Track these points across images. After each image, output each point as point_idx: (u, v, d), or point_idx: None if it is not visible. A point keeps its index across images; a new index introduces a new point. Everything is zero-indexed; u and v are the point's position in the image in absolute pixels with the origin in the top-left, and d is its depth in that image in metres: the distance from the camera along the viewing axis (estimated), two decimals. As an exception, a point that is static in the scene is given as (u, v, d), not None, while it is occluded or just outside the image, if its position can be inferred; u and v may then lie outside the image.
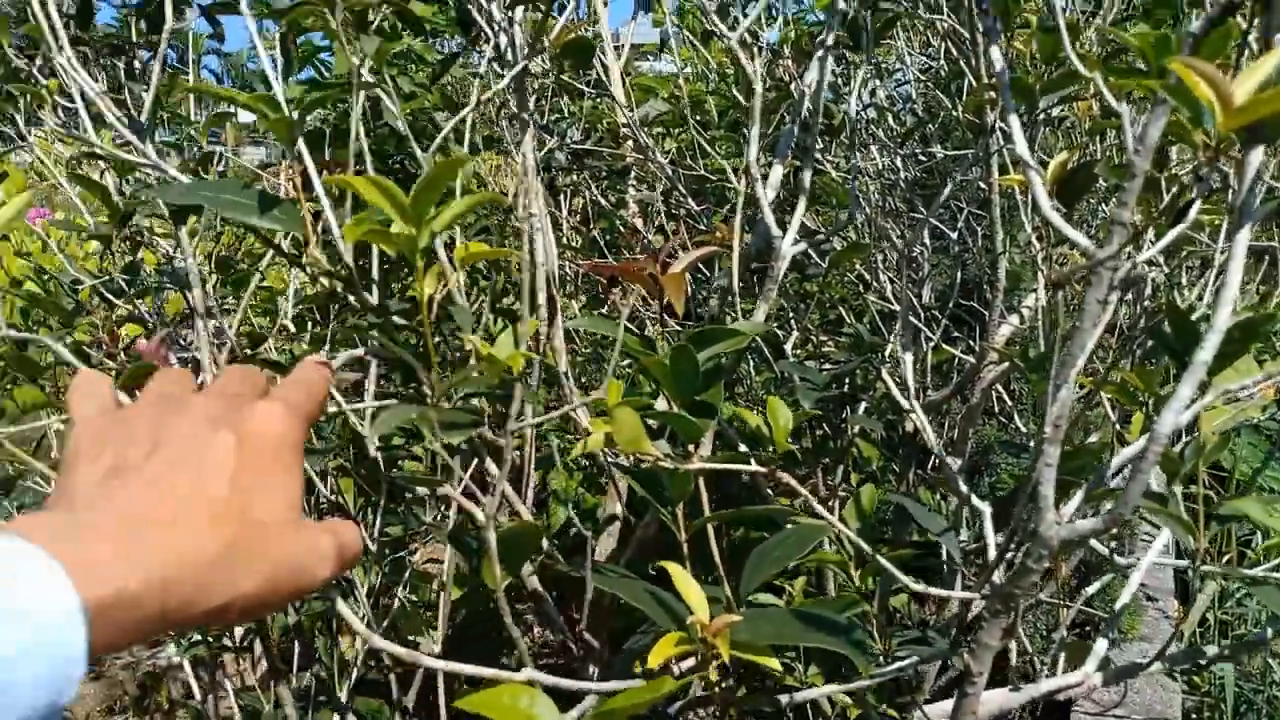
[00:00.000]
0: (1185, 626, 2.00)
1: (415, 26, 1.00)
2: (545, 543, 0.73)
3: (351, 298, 0.67)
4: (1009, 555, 0.73)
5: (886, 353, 1.52)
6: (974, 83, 1.23)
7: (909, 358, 0.85)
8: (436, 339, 0.63)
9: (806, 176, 0.82)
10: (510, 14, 0.91)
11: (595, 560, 0.93)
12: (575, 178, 1.72)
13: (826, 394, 1.37)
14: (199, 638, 1.38)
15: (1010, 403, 1.57)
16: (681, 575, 0.67)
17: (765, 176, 0.87)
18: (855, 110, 0.90)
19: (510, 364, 0.59)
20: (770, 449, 0.71)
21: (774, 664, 0.64)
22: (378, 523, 1.50)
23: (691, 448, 0.77)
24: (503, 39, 0.88)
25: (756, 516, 0.75)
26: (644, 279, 0.77)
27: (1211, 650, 0.80)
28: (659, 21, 2.48)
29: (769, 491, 1.17)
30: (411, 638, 1.55)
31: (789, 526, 0.79)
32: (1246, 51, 0.64)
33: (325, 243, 0.75)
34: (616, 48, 2.13)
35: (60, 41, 0.86)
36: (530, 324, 0.66)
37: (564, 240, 1.77)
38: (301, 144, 0.76)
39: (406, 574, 1.53)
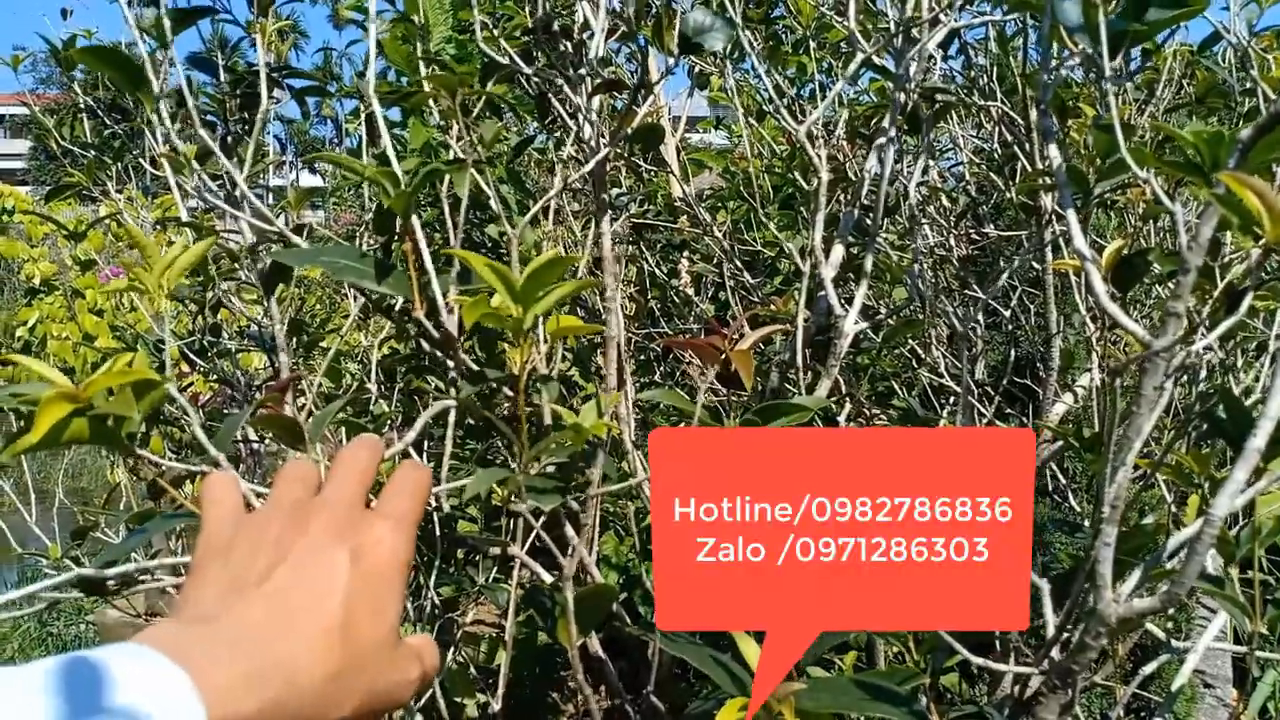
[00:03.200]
0: (1245, 716, 1.94)
1: (496, 110, 1.07)
2: (614, 605, 0.76)
3: (450, 362, 0.72)
4: (1066, 633, 0.74)
5: (940, 425, 1.54)
6: (1027, 166, 1.27)
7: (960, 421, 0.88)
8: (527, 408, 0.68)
9: (868, 259, 0.86)
10: (590, 101, 0.97)
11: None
12: (631, 249, 1.78)
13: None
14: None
15: (1064, 481, 1.57)
16: (746, 640, 0.69)
17: (826, 256, 0.92)
18: (914, 194, 0.94)
19: (595, 432, 0.63)
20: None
21: (834, 728, 0.66)
22: (431, 582, 1.53)
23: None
24: (586, 128, 0.94)
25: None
26: (713, 354, 0.81)
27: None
28: (716, 99, 2.56)
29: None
30: (459, 699, 1.57)
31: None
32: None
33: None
34: (673, 121, 2.22)
35: (162, 117, 0.93)
36: (614, 396, 0.70)
37: (627, 311, 1.83)
38: (415, 219, 0.82)
39: (457, 634, 1.55)
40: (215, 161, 1.33)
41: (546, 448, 0.64)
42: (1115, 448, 0.62)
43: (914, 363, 1.58)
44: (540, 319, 0.74)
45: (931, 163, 1.80)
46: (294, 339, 1.48)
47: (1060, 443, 1.39)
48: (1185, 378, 1.20)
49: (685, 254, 2.16)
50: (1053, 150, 0.68)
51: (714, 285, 2.01)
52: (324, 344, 1.54)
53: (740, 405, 0.89)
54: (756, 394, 1.21)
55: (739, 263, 1.62)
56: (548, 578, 0.78)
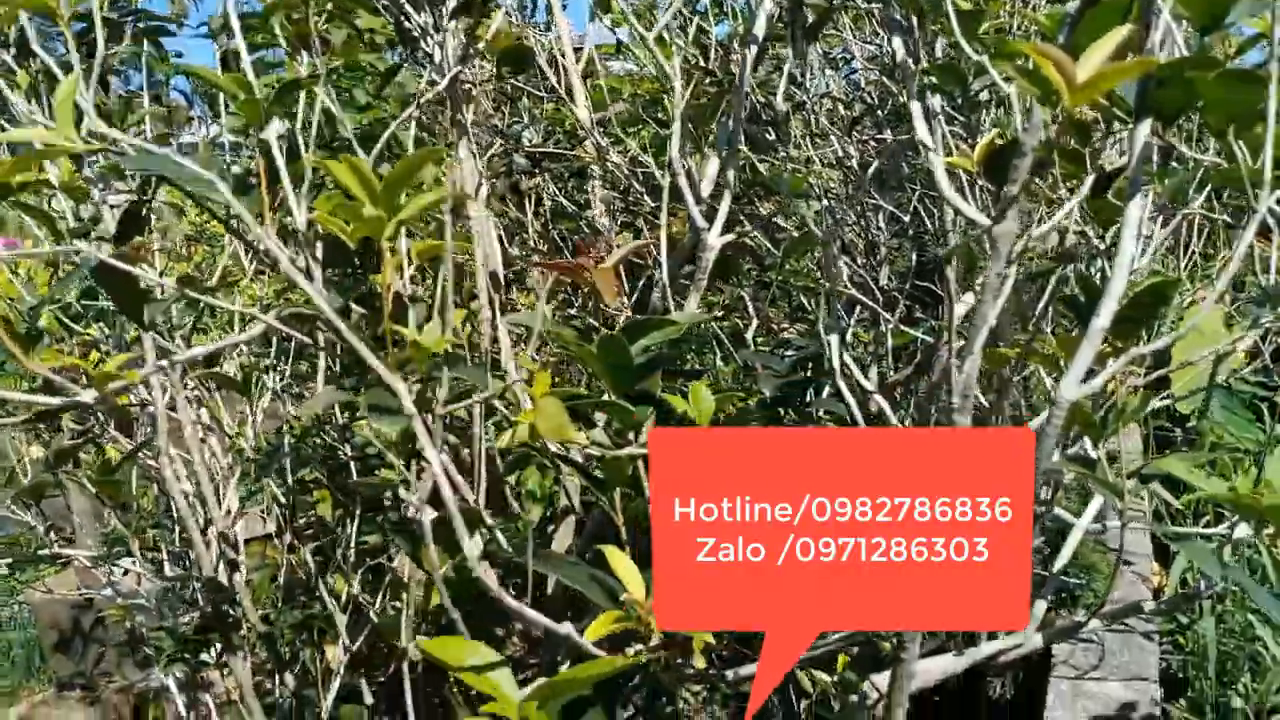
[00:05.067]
0: (1167, 588, 2.03)
1: (361, 39, 1.02)
2: (487, 530, 0.75)
3: (305, 285, 0.69)
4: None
5: (848, 336, 1.55)
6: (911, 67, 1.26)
7: (835, 340, 0.88)
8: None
9: (730, 170, 0.84)
10: (444, 24, 0.93)
11: (543, 549, 0.95)
12: (537, 180, 1.74)
13: (788, 379, 1.40)
14: (180, 656, 1.39)
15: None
16: (615, 555, 0.69)
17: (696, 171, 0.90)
18: (780, 105, 0.92)
19: (435, 349, 0.61)
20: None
21: (706, 637, 0.67)
22: (353, 532, 1.52)
23: (632, 435, 0.80)
24: (436, 50, 0.90)
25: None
26: (581, 275, 0.79)
27: (1149, 606, 0.82)
28: (618, 22, 2.50)
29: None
30: (396, 644, 1.57)
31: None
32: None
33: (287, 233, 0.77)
34: (577, 50, 2.16)
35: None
36: (458, 314, 0.68)
37: (530, 242, 1.79)
38: (270, 129, 0.78)
39: (386, 579, 1.55)
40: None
41: (393, 364, 0.62)
42: (966, 339, 0.62)
43: (821, 276, 1.57)
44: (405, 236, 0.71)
45: (832, 72, 1.77)
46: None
47: (962, 341, 1.40)
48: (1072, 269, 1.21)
49: (596, 183, 2.12)
50: (895, 43, 0.66)
51: (630, 213, 1.99)
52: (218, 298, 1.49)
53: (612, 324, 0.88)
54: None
55: (643, 188, 1.59)
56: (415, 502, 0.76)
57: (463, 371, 0.68)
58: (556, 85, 1.33)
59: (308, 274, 0.77)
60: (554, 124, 2.08)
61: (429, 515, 0.65)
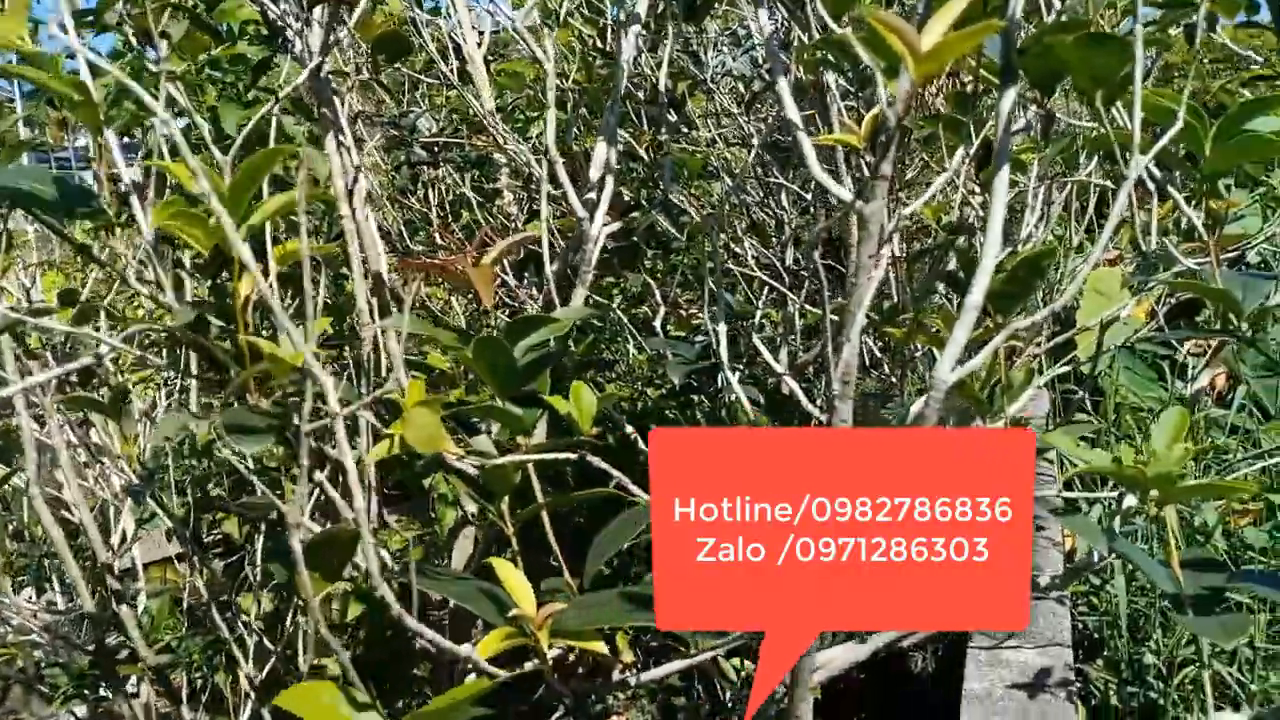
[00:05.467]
0: (1079, 551, 2.08)
1: (214, 34, 0.96)
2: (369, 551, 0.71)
3: (154, 296, 0.64)
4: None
5: (758, 318, 1.53)
6: (804, 41, 1.24)
7: (722, 329, 0.86)
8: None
9: (610, 153, 0.81)
10: (309, 14, 0.88)
11: (427, 565, 0.91)
12: (437, 171, 1.68)
13: (695, 366, 1.38)
14: (79, 692, 1.33)
15: (880, 354, 1.60)
16: (504, 568, 0.66)
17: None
18: (664, 82, 0.89)
19: (293, 362, 0.57)
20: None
21: (599, 647, 0.64)
22: (258, 550, 1.46)
23: (521, 439, 0.77)
24: (299, 41, 0.85)
25: (588, 501, 0.74)
26: (455, 274, 0.76)
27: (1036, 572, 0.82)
28: (518, 4, 2.45)
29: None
30: (318, 661, 1.52)
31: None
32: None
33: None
34: (479, 34, 2.10)
35: None
36: (320, 323, 0.64)
37: (432, 236, 1.74)
38: (110, 134, 0.72)
39: (295, 597, 1.49)
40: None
41: (244, 380, 0.58)
42: (843, 323, 0.60)
43: (729, 259, 1.56)
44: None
45: (733, 49, 1.75)
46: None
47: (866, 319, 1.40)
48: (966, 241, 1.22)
49: (504, 172, 2.07)
50: (762, 17, 0.64)
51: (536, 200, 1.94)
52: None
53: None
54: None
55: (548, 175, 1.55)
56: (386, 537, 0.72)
57: (329, 382, 0.64)
58: (448, 74, 1.29)
59: (158, 285, 0.72)
60: (455, 112, 2.03)
61: (299, 537, 0.60)
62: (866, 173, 1.18)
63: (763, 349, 1.17)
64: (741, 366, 1.57)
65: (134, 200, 0.71)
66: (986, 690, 1.32)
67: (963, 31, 0.39)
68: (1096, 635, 1.97)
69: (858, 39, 0.46)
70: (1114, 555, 0.83)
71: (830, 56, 1.17)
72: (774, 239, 1.63)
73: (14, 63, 0.72)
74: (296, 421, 0.60)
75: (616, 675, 0.79)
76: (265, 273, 0.78)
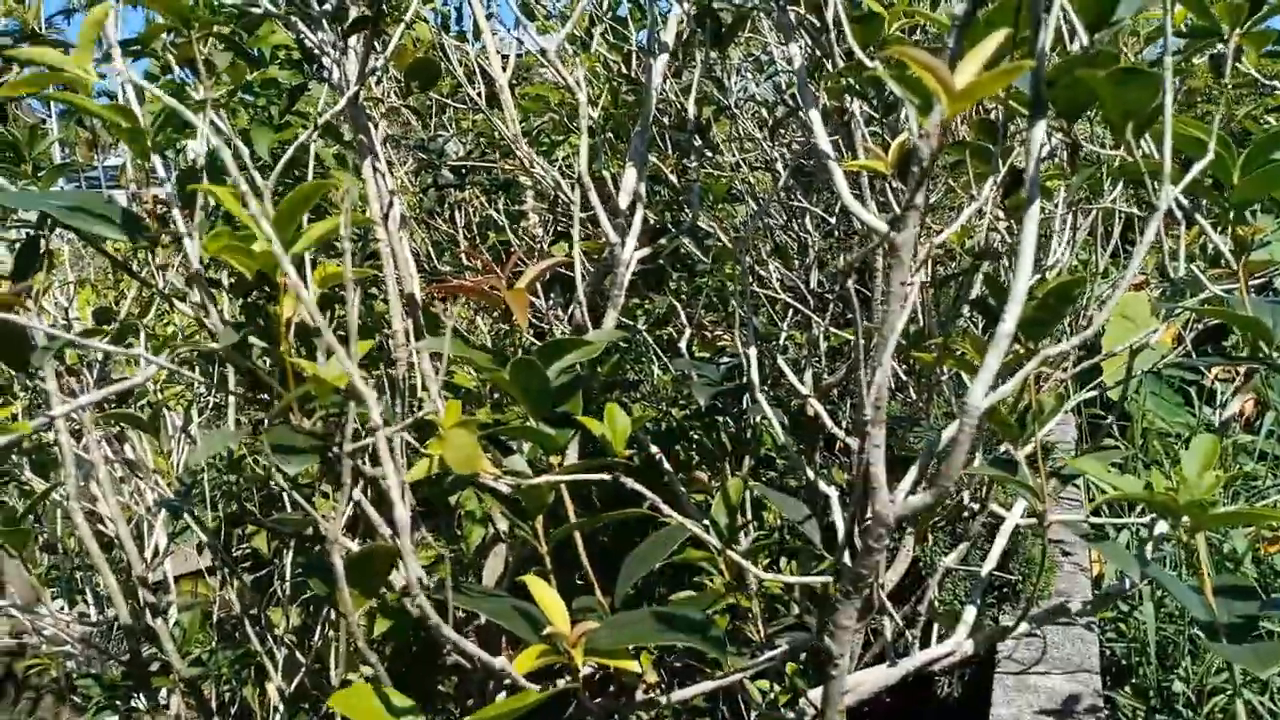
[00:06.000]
0: (1107, 575, 2.06)
1: (251, 61, 0.99)
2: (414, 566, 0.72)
3: (199, 319, 0.66)
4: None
5: (782, 340, 1.54)
6: (829, 69, 1.26)
7: (753, 353, 0.87)
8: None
9: (639, 180, 0.82)
10: (345, 42, 0.90)
11: (466, 582, 0.92)
12: (464, 193, 1.71)
13: (721, 388, 1.39)
14: (111, 703, 1.34)
15: (906, 378, 1.61)
16: (538, 587, 0.67)
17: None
18: (693, 110, 0.91)
19: (336, 383, 0.59)
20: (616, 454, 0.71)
21: (632, 666, 0.65)
22: (287, 565, 1.48)
23: (554, 459, 0.78)
24: (335, 70, 0.88)
25: (622, 521, 0.75)
26: (490, 296, 0.77)
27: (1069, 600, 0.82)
28: (543, 29, 2.48)
29: (680, 492, 1.18)
30: (347, 675, 1.53)
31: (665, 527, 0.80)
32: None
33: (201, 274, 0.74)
34: (505, 57, 2.13)
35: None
36: (361, 345, 0.66)
37: (459, 257, 1.76)
38: (157, 160, 0.75)
39: (325, 610, 1.51)
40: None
41: (287, 403, 0.59)
42: (874, 349, 0.61)
43: (755, 279, 1.57)
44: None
45: (757, 74, 1.77)
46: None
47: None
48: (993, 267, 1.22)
49: (529, 194, 2.09)
50: (793, 49, 0.65)
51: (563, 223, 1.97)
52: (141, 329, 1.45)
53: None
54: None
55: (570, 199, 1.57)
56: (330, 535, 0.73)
57: (374, 403, 0.65)
58: (475, 98, 1.31)
59: (204, 309, 0.74)
60: (482, 135, 2.06)
61: (340, 554, 0.62)
62: (890, 197, 1.19)
63: (788, 371, 1.18)
64: (766, 388, 1.57)
65: (181, 227, 0.73)
66: (1014, 716, 1.31)
67: (996, 71, 0.41)
68: (1125, 662, 1.95)
69: (890, 75, 0.47)
70: (1145, 581, 0.83)
71: (855, 83, 1.19)
72: (798, 262, 1.64)
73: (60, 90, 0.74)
74: (339, 441, 0.62)
75: (641, 695, 0.80)
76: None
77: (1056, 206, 0.97)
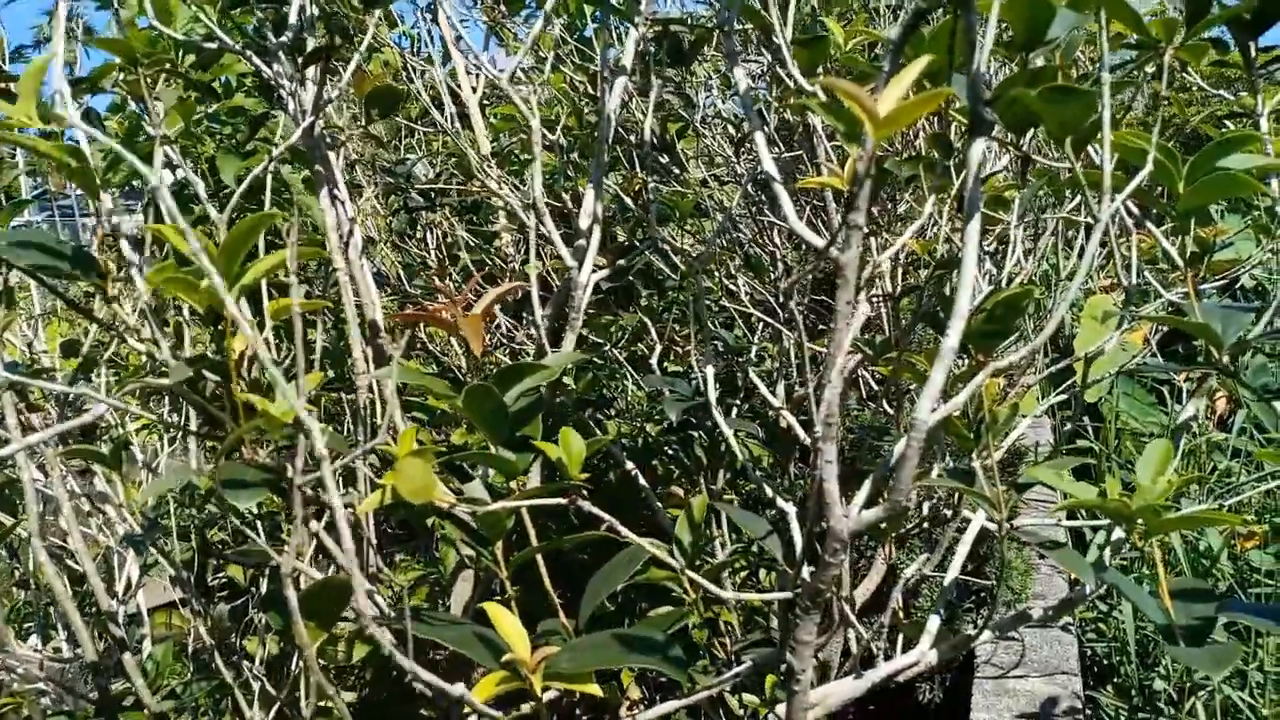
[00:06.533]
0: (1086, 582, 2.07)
1: (209, 93, 0.99)
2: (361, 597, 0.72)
3: (150, 351, 0.66)
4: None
5: (753, 354, 1.55)
6: (790, 85, 1.27)
7: (710, 371, 0.87)
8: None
9: (597, 203, 0.83)
10: (302, 74, 0.90)
11: (426, 609, 0.92)
12: (434, 215, 1.71)
13: (692, 403, 1.39)
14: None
15: (878, 388, 1.62)
16: (497, 613, 0.67)
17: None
18: (651, 126, 0.91)
19: (284, 419, 0.59)
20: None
21: (593, 690, 0.65)
22: (262, 594, 1.47)
23: (514, 484, 0.78)
24: (292, 101, 0.88)
25: (580, 544, 0.76)
26: (445, 323, 0.77)
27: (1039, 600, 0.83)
28: (514, 51, 2.49)
29: (657, 508, 1.18)
30: (323, 704, 1.52)
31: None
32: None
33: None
34: (474, 79, 2.14)
35: None
36: (312, 378, 0.66)
37: (430, 279, 1.76)
38: (106, 197, 0.75)
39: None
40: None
41: (235, 439, 0.59)
42: (824, 366, 0.62)
43: (725, 294, 1.58)
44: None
45: (724, 91, 1.79)
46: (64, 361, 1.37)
47: (859, 355, 1.42)
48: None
49: (501, 215, 2.10)
50: (738, 74, 0.66)
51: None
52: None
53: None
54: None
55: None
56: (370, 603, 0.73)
57: (320, 438, 0.65)
58: (441, 122, 1.31)
59: (155, 343, 0.73)
60: (452, 156, 2.06)
61: (292, 587, 0.62)
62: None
63: (759, 384, 1.18)
64: (739, 401, 1.58)
65: (130, 260, 0.73)
66: (991, 721, 1.32)
67: (917, 99, 0.41)
68: (1106, 661, 1.96)
69: (819, 106, 0.48)
70: (1103, 587, 0.84)
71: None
72: (769, 275, 1.65)
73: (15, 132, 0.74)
74: (290, 474, 0.62)
75: (624, 713, 0.80)
76: (260, 326, 0.80)
77: (1012, 217, 0.98)
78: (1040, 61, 0.72)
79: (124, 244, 0.68)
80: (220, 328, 0.98)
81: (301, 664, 1.42)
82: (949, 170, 0.91)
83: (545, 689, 0.66)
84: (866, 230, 0.94)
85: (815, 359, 1.81)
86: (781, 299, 1.31)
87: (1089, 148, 0.74)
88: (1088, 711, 1.61)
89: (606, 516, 0.67)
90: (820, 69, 0.80)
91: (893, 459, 0.73)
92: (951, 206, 0.94)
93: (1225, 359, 0.80)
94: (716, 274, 1.57)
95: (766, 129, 0.66)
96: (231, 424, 0.64)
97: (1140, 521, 0.70)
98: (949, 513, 1.36)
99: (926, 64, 0.43)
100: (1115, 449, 2.15)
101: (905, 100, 0.42)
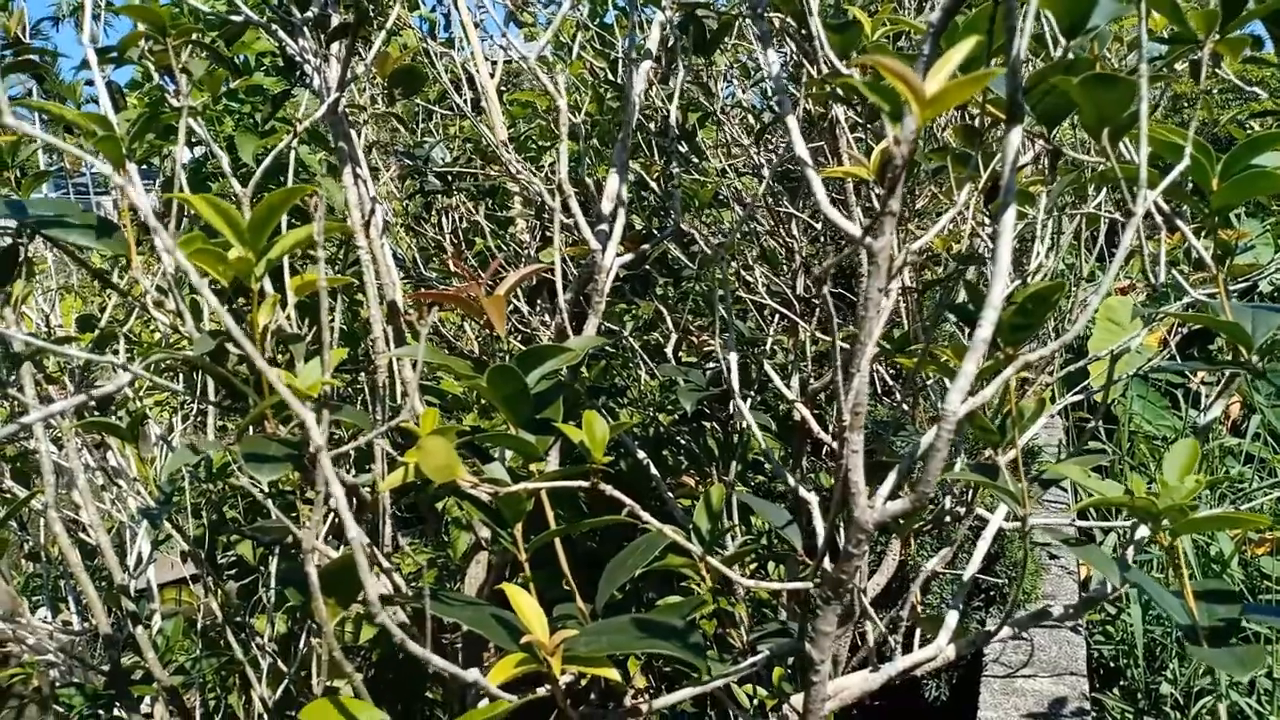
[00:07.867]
0: (1094, 578, 2.06)
1: (232, 68, 0.98)
2: (379, 576, 0.72)
3: (174, 324, 0.66)
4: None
5: (768, 345, 1.54)
6: (813, 74, 1.26)
7: (733, 358, 0.87)
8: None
9: (622, 187, 0.82)
10: (326, 49, 0.90)
11: (440, 590, 0.92)
12: (450, 199, 1.71)
13: (707, 393, 1.39)
14: (94, 713, 1.33)
15: (893, 382, 1.61)
16: (517, 595, 0.67)
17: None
18: (675, 115, 0.91)
19: (310, 393, 0.59)
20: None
21: (611, 673, 0.65)
22: (272, 572, 1.47)
23: (534, 466, 0.78)
24: (316, 77, 0.87)
25: (599, 528, 0.75)
26: (468, 304, 0.77)
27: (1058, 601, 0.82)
28: (531, 35, 2.48)
29: (668, 497, 1.18)
30: (331, 683, 1.52)
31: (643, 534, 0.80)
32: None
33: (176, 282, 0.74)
34: (492, 64, 2.13)
35: None
36: (336, 353, 0.66)
37: (445, 263, 1.76)
38: (132, 167, 0.74)
39: (308, 621, 1.50)
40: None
41: (258, 413, 0.59)
42: (852, 355, 0.61)
43: (741, 285, 1.57)
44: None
45: (744, 81, 1.77)
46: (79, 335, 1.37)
47: (876, 349, 1.41)
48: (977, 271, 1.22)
49: (517, 200, 2.09)
50: (770, 57, 0.65)
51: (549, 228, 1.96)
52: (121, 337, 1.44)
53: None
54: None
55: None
56: (380, 570, 0.73)
57: (344, 414, 0.65)
58: (461, 105, 1.31)
59: (179, 316, 0.73)
60: (469, 140, 2.06)
61: (314, 563, 0.61)
62: (876, 204, 1.19)
63: (774, 376, 1.18)
64: (753, 393, 1.57)
65: (155, 234, 0.72)
66: (1000, 719, 1.31)
67: (965, 78, 0.41)
68: (1113, 664, 1.95)
69: (863, 84, 0.47)
70: (1128, 585, 0.83)
71: (838, 89, 1.19)
72: (784, 267, 1.64)
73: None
74: (312, 449, 0.61)
75: (629, 701, 0.79)
76: (283, 303, 0.80)
77: (1039, 211, 0.97)
78: (1071, 55, 0.72)
79: (149, 216, 0.68)
80: (236, 305, 0.98)
81: (308, 642, 1.42)
82: (977, 163, 0.90)
83: (562, 672, 0.65)
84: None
85: (827, 354, 1.81)
86: (810, 289, 1.30)
87: (1112, 144, 0.73)
88: (1094, 713, 1.60)
89: (628, 501, 0.66)
90: (850, 57, 0.79)
91: (919, 450, 0.73)
92: (978, 200, 0.93)
93: (1255, 359, 0.79)
94: (734, 264, 1.56)
95: (796, 112, 0.66)
96: (255, 398, 0.63)
97: (1166, 521, 0.70)
98: (960, 510, 1.35)
99: (970, 48, 0.43)
100: (1129, 451, 2.14)
101: (951, 81, 0.41)
